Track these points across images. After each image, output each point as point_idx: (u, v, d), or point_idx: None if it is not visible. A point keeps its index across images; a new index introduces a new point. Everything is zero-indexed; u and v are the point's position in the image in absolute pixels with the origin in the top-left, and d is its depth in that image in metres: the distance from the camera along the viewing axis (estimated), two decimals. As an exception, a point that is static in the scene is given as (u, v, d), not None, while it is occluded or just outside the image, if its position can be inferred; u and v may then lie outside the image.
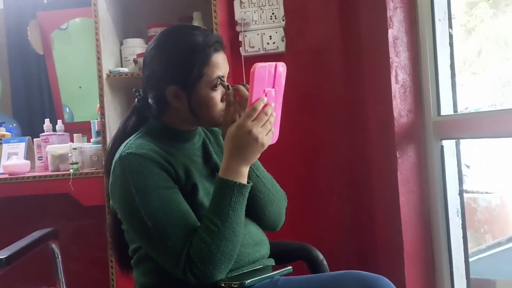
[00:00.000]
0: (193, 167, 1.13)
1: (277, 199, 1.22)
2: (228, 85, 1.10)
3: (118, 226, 1.18)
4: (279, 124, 1.10)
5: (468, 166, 1.79)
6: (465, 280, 1.60)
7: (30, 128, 2.49)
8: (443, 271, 1.60)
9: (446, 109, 1.61)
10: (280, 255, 1.27)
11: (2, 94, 2.62)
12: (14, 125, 2.47)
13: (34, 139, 2.21)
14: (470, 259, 1.63)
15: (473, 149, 1.80)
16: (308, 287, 1.00)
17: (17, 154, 2.15)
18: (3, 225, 2.27)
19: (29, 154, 2.19)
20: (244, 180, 1.05)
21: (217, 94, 1.11)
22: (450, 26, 1.62)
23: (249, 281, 1.03)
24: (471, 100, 1.79)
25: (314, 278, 1.05)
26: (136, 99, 1.19)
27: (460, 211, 1.61)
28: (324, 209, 2.13)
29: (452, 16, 1.63)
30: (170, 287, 1.08)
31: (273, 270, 1.14)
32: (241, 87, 1.09)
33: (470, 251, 1.65)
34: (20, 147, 2.19)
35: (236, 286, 1.02)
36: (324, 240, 2.05)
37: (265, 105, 1.03)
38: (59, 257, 1.57)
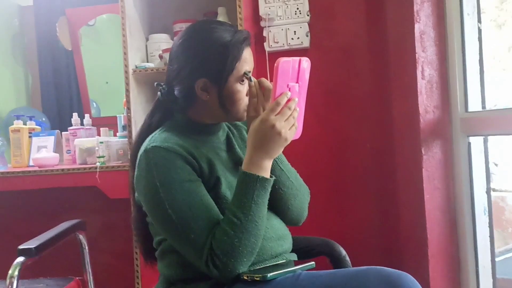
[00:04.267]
0: (217, 160, 1.14)
1: (301, 193, 1.23)
2: (251, 77, 1.11)
3: (142, 219, 1.20)
4: (302, 119, 1.10)
5: (496, 164, 1.75)
6: (491, 280, 1.57)
7: (58, 122, 2.55)
8: (468, 270, 1.58)
9: (474, 105, 1.58)
10: (302, 250, 1.28)
11: (32, 89, 2.69)
12: (43, 119, 2.53)
13: (63, 133, 2.26)
14: (497, 259, 1.60)
15: (501, 147, 1.76)
16: (331, 282, 1.00)
17: (46, 147, 2.20)
18: (33, 216, 2.33)
19: (57, 147, 2.24)
20: (266, 174, 1.05)
21: (244, 88, 1.13)
22: (479, 20, 1.59)
23: (271, 274, 1.03)
24: (500, 97, 1.74)
25: (336, 273, 1.04)
26: (159, 92, 1.20)
27: (487, 209, 1.58)
28: (348, 206, 2.12)
29: (482, 11, 1.60)
30: (193, 280, 1.09)
31: (296, 265, 1.14)
32: (264, 79, 1.11)
33: (497, 250, 1.62)
34: (49, 140, 2.24)
35: (258, 279, 1.02)
36: (347, 236, 2.04)
37: (289, 100, 1.04)
38: (86, 248, 1.60)
